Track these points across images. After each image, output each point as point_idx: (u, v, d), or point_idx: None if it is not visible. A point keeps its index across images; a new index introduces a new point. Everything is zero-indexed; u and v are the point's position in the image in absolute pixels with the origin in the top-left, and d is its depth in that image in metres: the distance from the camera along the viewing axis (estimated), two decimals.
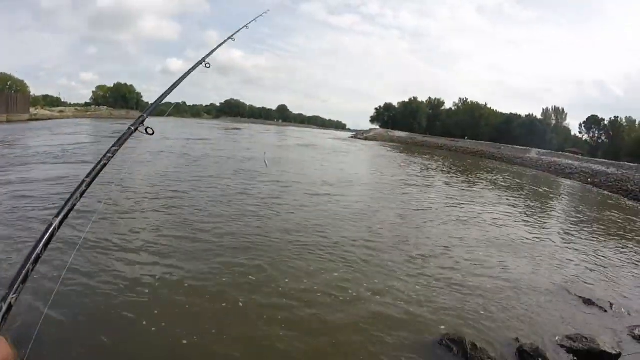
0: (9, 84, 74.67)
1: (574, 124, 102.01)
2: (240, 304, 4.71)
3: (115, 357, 3.64)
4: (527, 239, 9.26)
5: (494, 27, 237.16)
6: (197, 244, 6.51)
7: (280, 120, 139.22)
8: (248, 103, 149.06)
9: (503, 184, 21.03)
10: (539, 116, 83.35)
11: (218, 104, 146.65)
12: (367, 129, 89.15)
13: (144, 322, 4.11)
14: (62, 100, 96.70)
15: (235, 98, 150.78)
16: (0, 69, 75.33)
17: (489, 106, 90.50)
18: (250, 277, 5.48)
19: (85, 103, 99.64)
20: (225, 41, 1.32)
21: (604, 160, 42.01)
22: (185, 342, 3.88)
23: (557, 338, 4.67)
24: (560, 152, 52.33)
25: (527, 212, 12.83)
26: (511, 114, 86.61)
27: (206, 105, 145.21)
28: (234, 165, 16.45)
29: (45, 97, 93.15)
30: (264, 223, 8.11)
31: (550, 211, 14.18)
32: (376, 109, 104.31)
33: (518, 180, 24.08)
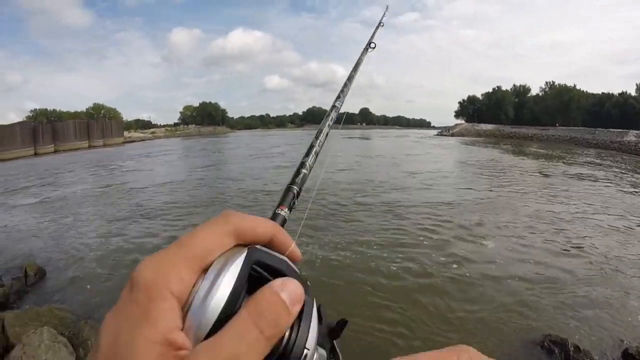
0: (102, 112, 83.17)
1: None
2: None
3: None
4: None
5: None
6: None
7: (364, 124, 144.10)
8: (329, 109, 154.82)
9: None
10: (633, 93, 79.96)
11: (300, 113, 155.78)
12: (452, 124, 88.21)
13: None
14: (153, 123, 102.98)
15: (317, 105, 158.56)
16: (96, 100, 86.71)
17: (578, 87, 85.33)
18: None
19: (174, 123, 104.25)
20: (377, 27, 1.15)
21: None
22: None
23: None
24: None
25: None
26: (603, 93, 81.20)
27: (289, 115, 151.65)
28: None
29: (137, 120, 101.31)
30: None
31: None
32: (459, 102, 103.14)
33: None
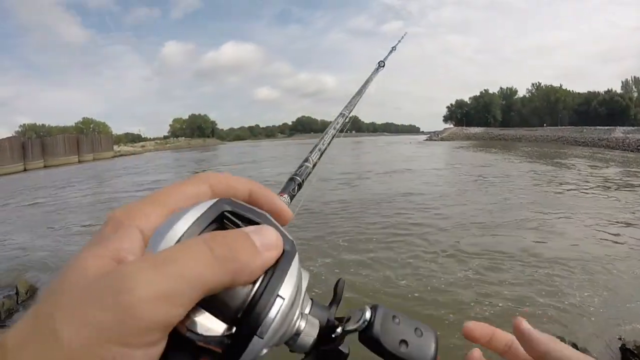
0: (91, 126, 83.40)
1: None
2: None
3: None
4: None
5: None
6: None
7: (354, 131, 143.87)
8: (319, 118, 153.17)
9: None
10: (618, 90, 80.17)
11: (290, 123, 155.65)
12: (442, 129, 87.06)
13: None
14: (143, 136, 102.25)
15: (307, 115, 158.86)
16: (86, 113, 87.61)
17: (564, 87, 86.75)
18: None
19: (164, 136, 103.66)
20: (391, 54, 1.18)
21: None
22: None
23: None
24: None
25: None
26: (589, 92, 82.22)
27: (279, 126, 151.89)
28: None
29: (127, 134, 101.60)
30: None
31: None
32: (448, 107, 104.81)
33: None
